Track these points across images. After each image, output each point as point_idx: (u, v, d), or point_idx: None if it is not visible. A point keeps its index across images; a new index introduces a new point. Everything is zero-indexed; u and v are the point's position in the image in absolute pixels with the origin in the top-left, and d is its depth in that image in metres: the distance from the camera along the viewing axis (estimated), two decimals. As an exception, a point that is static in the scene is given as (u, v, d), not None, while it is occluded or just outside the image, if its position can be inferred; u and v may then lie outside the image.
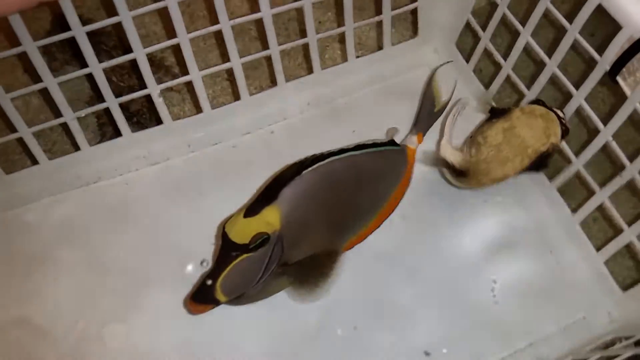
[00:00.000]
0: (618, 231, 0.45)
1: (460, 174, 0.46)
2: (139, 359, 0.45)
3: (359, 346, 0.45)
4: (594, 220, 0.50)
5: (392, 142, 0.47)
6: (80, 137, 0.50)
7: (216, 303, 0.41)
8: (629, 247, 0.45)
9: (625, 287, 0.46)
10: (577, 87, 0.46)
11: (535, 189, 0.51)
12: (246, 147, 0.54)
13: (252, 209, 0.40)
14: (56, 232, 0.50)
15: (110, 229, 0.50)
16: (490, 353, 0.45)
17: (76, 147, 0.51)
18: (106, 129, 0.56)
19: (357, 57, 0.57)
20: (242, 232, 0.39)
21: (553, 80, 0.49)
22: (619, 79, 0.44)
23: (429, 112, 0.51)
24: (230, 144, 0.54)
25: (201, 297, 0.41)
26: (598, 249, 0.47)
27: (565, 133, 0.47)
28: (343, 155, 0.43)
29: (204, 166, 0.53)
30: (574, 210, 0.49)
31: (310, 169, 0.41)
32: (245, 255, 0.39)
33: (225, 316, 0.45)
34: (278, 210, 0.39)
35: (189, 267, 0.48)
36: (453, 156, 0.47)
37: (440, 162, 0.48)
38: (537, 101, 0.48)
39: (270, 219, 0.39)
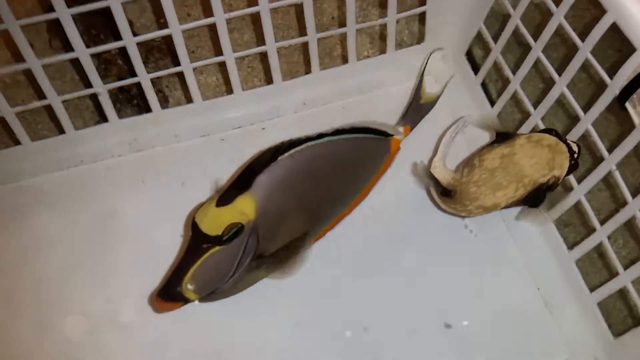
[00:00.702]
0: (614, 274, 0.41)
1: (445, 193, 0.43)
2: (100, 353, 0.44)
3: (373, 346, 0.43)
4: (590, 259, 0.46)
5: (376, 130, 0.45)
6: (65, 120, 0.50)
7: (185, 301, 0.39)
8: (623, 292, 0.42)
9: (618, 333, 0.42)
10: (586, 110, 0.43)
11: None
12: (234, 141, 0.53)
13: (225, 197, 0.37)
14: (26, 215, 0.49)
15: (84, 215, 0.49)
16: None
17: (61, 130, 0.50)
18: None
19: (366, 56, 0.54)
20: (214, 222, 0.37)
21: (561, 102, 0.45)
22: (628, 105, 0.40)
23: (415, 105, 0.49)
24: (219, 137, 0.53)
25: (168, 295, 0.38)
26: (592, 288, 0.44)
27: (573, 168, 0.44)
28: (321, 140, 0.40)
29: (189, 157, 0.52)
30: (571, 248, 0.45)
31: (286, 154, 0.39)
32: (217, 248, 0.37)
33: (214, 314, 0.43)
34: (253, 198, 0.37)
35: (162, 260, 0.46)
36: (442, 173, 0.44)
37: (427, 178, 0.44)
38: (549, 130, 0.44)
39: (245, 208, 0.37)
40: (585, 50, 0.41)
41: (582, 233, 0.47)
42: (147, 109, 0.52)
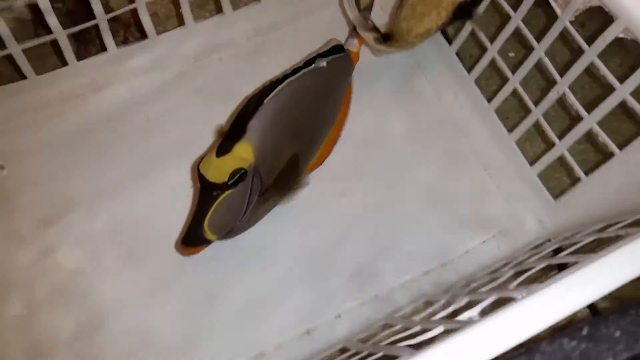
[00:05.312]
0: (550, 145, 0.47)
1: (387, 38, 0.48)
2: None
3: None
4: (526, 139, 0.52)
5: (336, 50, 0.48)
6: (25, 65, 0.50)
7: (207, 242, 0.42)
8: (561, 160, 0.47)
9: (557, 197, 0.48)
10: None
11: (475, 110, 0.53)
12: (194, 73, 0.54)
13: (224, 147, 0.40)
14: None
15: (55, 158, 0.50)
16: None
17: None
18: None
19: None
20: (219, 171, 0.40)
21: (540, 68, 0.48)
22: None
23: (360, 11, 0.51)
24: (178, 70, 0.54)
25: (192, 240, 0.42)
26: (531, 163, 0.49)
27: None
28: (297, 75, 0.44)
29: (151, 93, 0.53)
30: (510, 130, 0.50)
31: (270, 96, 0.42)
32: (226, 193, 0.40)
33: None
34: (249, 143, 0.41)
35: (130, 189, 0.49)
36: (371, 26, 0.48)
37: (364, 35, 0.48)
38: None
39: (244, 153, 0.40)
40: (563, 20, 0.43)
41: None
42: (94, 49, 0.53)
